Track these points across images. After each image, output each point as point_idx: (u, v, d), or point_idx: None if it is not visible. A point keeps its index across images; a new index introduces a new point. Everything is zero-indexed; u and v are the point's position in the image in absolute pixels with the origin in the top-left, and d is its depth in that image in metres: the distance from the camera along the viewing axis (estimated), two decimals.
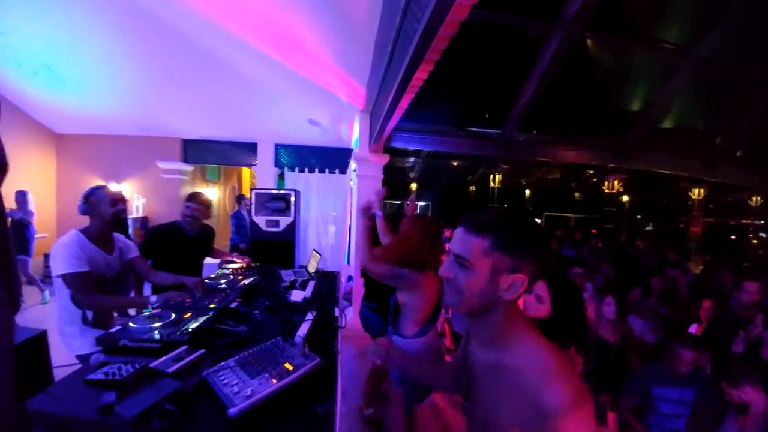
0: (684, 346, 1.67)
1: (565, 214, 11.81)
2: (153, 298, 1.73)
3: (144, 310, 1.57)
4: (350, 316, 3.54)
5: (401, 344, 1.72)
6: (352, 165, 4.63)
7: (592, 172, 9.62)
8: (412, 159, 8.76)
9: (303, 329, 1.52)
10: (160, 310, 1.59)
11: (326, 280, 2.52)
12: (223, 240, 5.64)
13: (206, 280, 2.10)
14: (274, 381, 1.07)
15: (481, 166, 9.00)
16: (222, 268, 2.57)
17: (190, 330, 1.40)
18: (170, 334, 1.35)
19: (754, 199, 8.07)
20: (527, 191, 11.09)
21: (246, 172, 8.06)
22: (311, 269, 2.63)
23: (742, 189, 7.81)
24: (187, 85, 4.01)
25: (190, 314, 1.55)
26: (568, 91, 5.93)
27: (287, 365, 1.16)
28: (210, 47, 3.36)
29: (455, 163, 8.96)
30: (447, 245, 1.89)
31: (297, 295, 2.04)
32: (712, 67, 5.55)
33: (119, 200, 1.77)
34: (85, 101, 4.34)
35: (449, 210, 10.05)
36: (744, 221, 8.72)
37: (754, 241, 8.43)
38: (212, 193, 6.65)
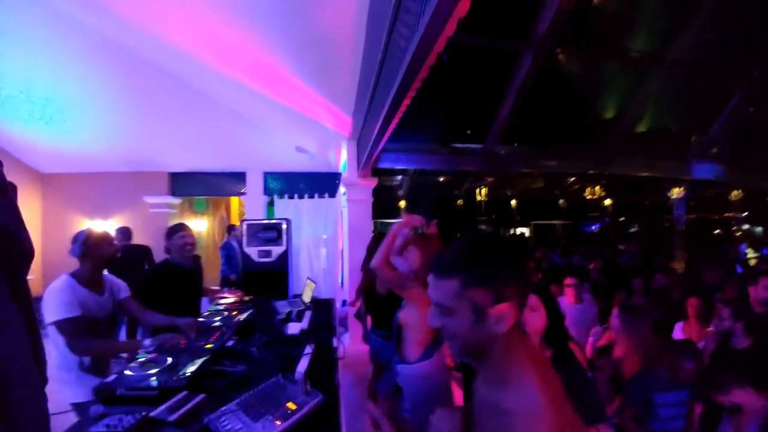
0: (689, 359, 1.71)
1: (552, 222, 12.05)
2: (147, 342, 1.71)
3: (138, 355, 1.55)
4: (347, 343, 3.51)
5: (406, 372, 1.70)
6: (342, 189, 4.69)
7: (573, 179, 9.91)
8: (399, 177, 8.90)
9: (303, 364, 1.53)
10: (155, 354, 1.57)
11: (322, 308, 2.52)
12: (212, 272, 5.56)
13: (200, 320, 2.08)
14: (278, 423, 1.07)
15: (467, 180, 9.20)
16: (215, 304, 2.54)
17: (187, 374, 1.39)
18: (167, 381, 1.34)
19: (733, 193, 8.37)
20: (513, 201, 11.33)
21: (235, 201, 8.03)
22: (306, 298, 2.62)
23: (722, 185, 8.13)
24: (173, 119, 4.06)
25: (186, 357, 1.54)
26: (544, 104, 6.18)
27: (290, 404, 1.16)
28: (195, 81, 3.44)
29: (441, 179, 9.13)
30: None
31: (294, 328, 2.04)
32: (682, 70, 5.88)
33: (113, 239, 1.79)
34: (71, 139, 4.33)
35: (438, 226, 10.15)
36: (726, 215, 9.00)
37: (738, 233, 8.70)
38: (201, 224, 6.59)
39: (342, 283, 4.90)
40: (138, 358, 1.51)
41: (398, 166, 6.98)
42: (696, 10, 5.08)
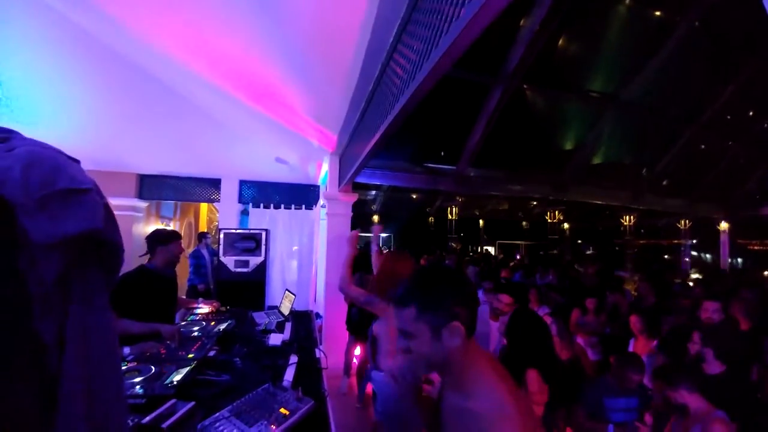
0: (633, 370, 1.95)
1: (516, 242, 12.73)
2: (126, 350, 1.67)
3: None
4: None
5: (379, 378, 1.81)
6: (321, 202, 4.74)
7: (536, 203, 10.62)
8: (373, 192, 9.07)
9: (290, 373, 1.58)
10: (136, 363, 1.55)
11: (301, 320, 2.56)
12: (179, 280, 5.31)
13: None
14: (273, 427, 1.13)
15: (438, 198, 9.56)
16: (191, 314, 2.50)
17: (174, 383, 1.40)
18: (154, 389, 1.35)
19: (682, 222, 9.32)
20: (481, 221, 11.87)
21: (204, 207, 7.75)
22: (285, 310, 2.64)
23: (671, 214, 9.03)
24: (147, 119, 3.93)
25: (169, 366, 1.54)
26: (511, 133, 6.70)
27: (283, 410, 1.22)
28: (173, 83, 3.37)
29: (414, 196, 9.42)
30: None
31: (275, 339, 2.07)
32: (635, 110, 6.64)
33: None
34: (35, 134, 4.03)
35: (410, 241, 10.39)
36: (675, 241, 9.95)
37: (686, 259, 9.64)
38: (167, 228, 6.31)
39: (316, 296, 4.89)
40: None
41: (374, 182, 7.16)
42: (649, 58, 5.82)
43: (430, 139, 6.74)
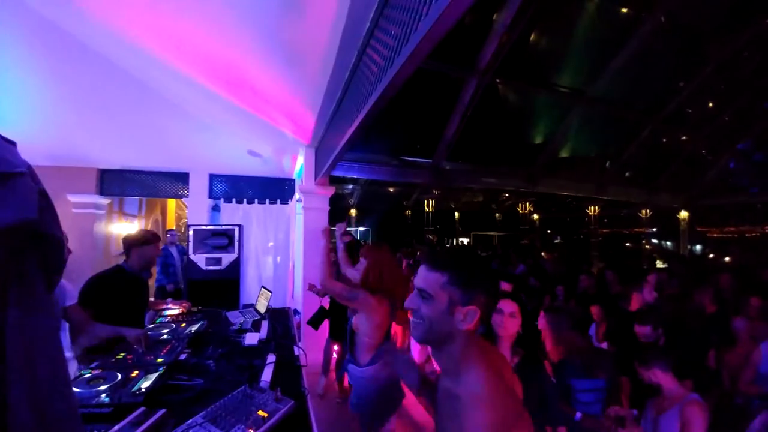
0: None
1: (489, 233, 13.09)
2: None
3: (83, 371, 1.42)
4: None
5: (357, 373, 1.79)
6: (297, 196, 4.62)
7: (508, 195, 10.93)
8: (350, 186, 8.98)
9: (267, 373, 1.53)
10: (101, 370, 1.45)
11: (278, 318, 2.49)
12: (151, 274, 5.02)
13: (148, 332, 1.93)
14: (251, 431, 1.09)
15: (415, 191, 9.62)
16: (159, 315, 2.37)
17: (142, 390, 1.32)
18: (121, 397, 1.26)
19: (644, 212, 9.88)
20: (456, 214, 12.09)
21: (171, 203, 7.37)
22: (261, 308, 2.57)
23: (633, 204, 9.56)
24: (108, 110, 3.65)
25: (137, 372, 1.45)
26: (485, 127, 6.82)
27: (261, 413, 1.18)
28: (136, 70, 3.15)
29: (391, 190, 9.42)
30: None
31: (252, 338, 2.00)
32: (601, 105, 6.91)
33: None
34: None
35: (387, 234, 10.41)
36: (636, 230, 10.56)
37: (647, 246, 10.25)
38: (132, 228, 5.95)
39: (293, 293, 4.80)
40: (83, 374, 1.39)
41: (351, 176, 7.08)
42: (614, 55, 6.07)
43: (406, 133, 6.74)
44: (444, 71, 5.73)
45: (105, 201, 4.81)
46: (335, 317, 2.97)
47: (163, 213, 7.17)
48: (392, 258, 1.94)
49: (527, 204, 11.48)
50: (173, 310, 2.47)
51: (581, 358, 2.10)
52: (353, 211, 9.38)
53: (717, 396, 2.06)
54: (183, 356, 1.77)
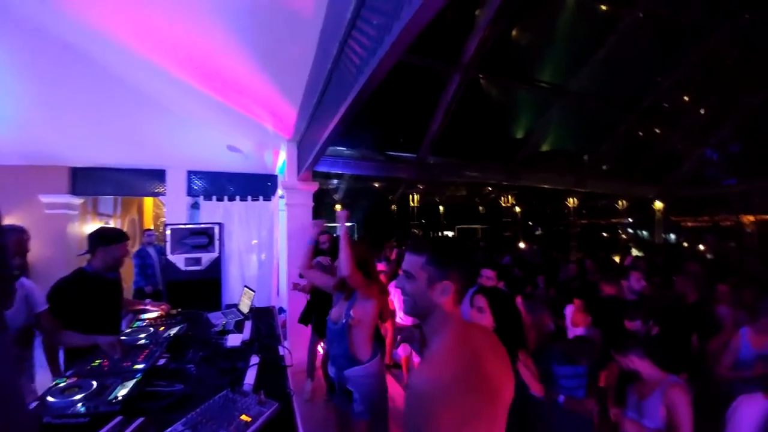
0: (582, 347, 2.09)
1: (473, 226, 13.27)
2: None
3: (58, 380, 1.36)
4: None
5: (361, 373, 1.71)
6: (280, 192, 4.53)
7: (491, 189, 11.08)
8: (335, 181, 8.90)
9: (251, 376, 1.50)
10: (76, 378, 1.38)
11: (262, 317, 2.44)
12: (125, 283, 4.83)
13: (122, 337, 1.85)
14: None
15: (400, 186, 9.62)
16: (136, 319, 2.28)
17: (119, 398, 1.27)
18: (98, 406, 1.21)
19: (620, 202, 10.20)
20: (441, 208, 12.18)
21: (149, 202, 7.10)
22: (244, 308, 2.51)
23: (610, 196, 9.87)
24: (80, 106, 3.45)
25: (113, 380, 1.39)
26: (469, 122, 6.87)
27: (244, 417, 1.15)
28: (109, 64, 2.98)
29: (377, 185, 9.39)
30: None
31: (234, 339, 1.95)
32: (579, 100, 7.05)
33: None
34: None
35: (374, 229, 10.40)
36: (613, 220, 10.91)
37: (623, 236, 10.62)
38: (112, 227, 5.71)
39: (279, 291, 4.72)
40: (58, 383, 1.32)
41: (336, 171, 7.01)
42: (594, 51, 6.19)
43: (391, 128, 6.72)
44: (428, 66, 5.71)
45: (78, 201, 4.59)
46: (320, 312, 2.91)
47: (140, 212, 6.91)
48: (369, 254, 1.92)
49: (509, 197, 11.68)
50: (151, 313, 2.38)
51: (563, 345, 2.15)
52: (338, 207, 9.30)
53: (703, 382, 2.13)
54: (162, 361, 1.71)
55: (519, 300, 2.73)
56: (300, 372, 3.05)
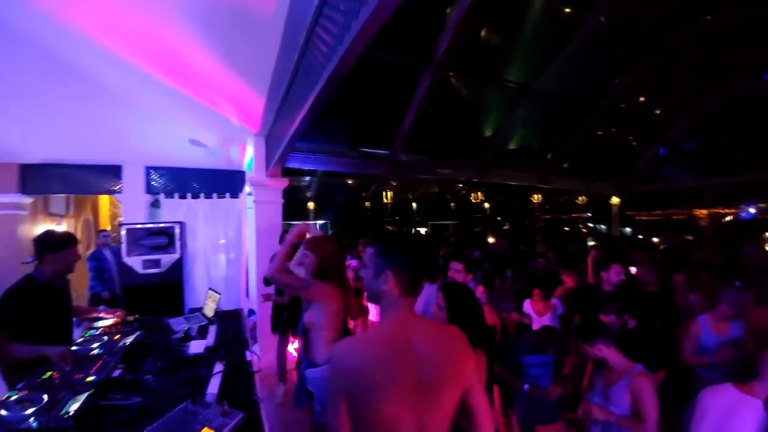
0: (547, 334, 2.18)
1: (445, 222, 13.54)
2: None
3: (10, 393, 1.25)
4: (259, 354, 3.32)
5: (317, 375, 1.72)
6: (248, 189, 4.36)
7: (461, 185, 11.34)
8: (307, 178, 8.72)
9: (214, 385, 1.44)
10: (27, 391, 1.27)
11: (229, 321, 2.35)
12: (77, 289, 4.45)
13: (73, 347, 1.71)
14: None
15: (374, 183, 9.59)
16: (90, 328, 2.11)
17: (71, 413, 1.17)
18: (50, 421, 1.13)
19: (579, 198, 10.74)
20: (414, 204, 12.30)
21: (105, 200, 6.62)
22: (209, 312, 2.40)
23: (571, 192, 10.40)
24: (27, 96, 3.13)
25: (65, 394, 1.28)
26: (440, 119, 6.95)
27: (206, 430, 1.10)
28: (60, 52, 2.73)
29: (350, 181, 9.30)
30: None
31: (197, 346, 1.87)
32: (543, 100, 7.32)
33: None
34: None
35: (348, 226, 10.32)
36: (574, 215, 11.49)
37: (583, 230, 11.21)
38: (60, 230, 5.26)
39: (248, 291, 4.57)
40: (10, 396, 1.21)
41: (307, 167, 6.85)
42: (557, 53, 6.43)
43: (364, 124, 6.66)
44: (400, 62, 5.71)
45: (28, 200, 4.19)
46: (293, 311, 2.82)
47: (95, 212, 6.42)
48: (338, 251, 1.86)
49: (479, 194, 12.00)
50: (106, 321, 2.22)
51: (531, 335, 2.24)
52: (311, 204, 9.13)
53: (672, 371, 2.22)
54: (116, 372, 1.60)
55: (481, 290, 2.80)
56: (272, 375, 2.97)
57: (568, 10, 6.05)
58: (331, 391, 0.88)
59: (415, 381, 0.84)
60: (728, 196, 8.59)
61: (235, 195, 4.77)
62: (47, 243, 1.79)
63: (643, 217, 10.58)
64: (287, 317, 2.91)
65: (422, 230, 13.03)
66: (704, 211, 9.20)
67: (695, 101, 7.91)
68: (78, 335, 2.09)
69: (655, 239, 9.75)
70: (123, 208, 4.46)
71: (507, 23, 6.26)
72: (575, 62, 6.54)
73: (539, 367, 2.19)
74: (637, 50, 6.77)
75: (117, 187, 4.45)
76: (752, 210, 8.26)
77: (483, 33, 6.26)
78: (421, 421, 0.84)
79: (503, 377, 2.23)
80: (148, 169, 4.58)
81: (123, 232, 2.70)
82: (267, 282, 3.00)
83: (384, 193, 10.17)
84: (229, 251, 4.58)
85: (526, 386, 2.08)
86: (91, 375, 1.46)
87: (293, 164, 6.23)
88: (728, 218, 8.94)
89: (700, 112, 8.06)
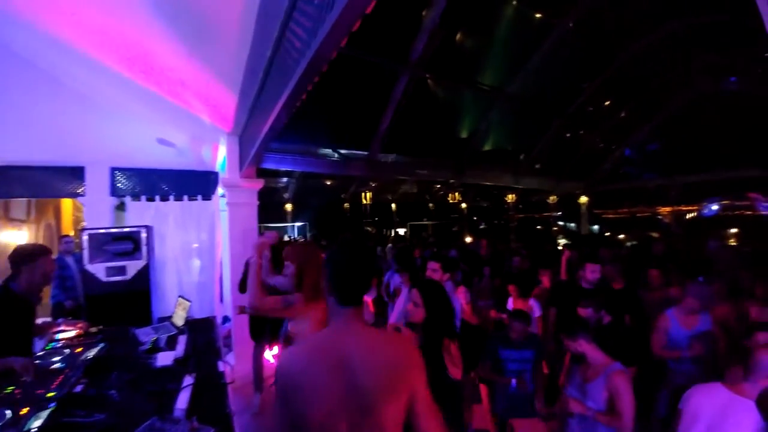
0: (516, 320, 2.24)
1: (424, 222, 13.71)
2: None
3: None
4: (233, 363, 3.21)
5: None
6: (221, 191, 4.22)
7: (439, 186, 11.51)
8: (285, 179, 8.57)
9: (183, 399, 1.39)
10: None
11: (200, 329, 2.27)
12: (42, 298, 4.12)
13: (36, 361, 1.61)
14: None
15: (353, 184, 9.56)
16: (50, 341, 1.99)
17: (32, 430, 1.11)
18: None
19: (550, 198, 11.17)
20: (393, 205, 12.37)
21: (67, 204, 6.23)
22: (179, 321, 2.31)
23: (542, 191, 10.81)
24: None
25: (27, 409, 1.20)
26: (417, 121, 7.03)
27: None
28: (21, 48, 2.55)
29: (329, 182, 9.23)
30: None
31: (165, 358, 1.79)
32: (516, 102, 7.55)
33: None
34: None
35: (327, 228, 10.23)
36: (545, 214, 11.90)
37: (554, 228, 11.67)
38: (20, 236, 4.89)
39: (222, 297, 4.42)
40: None
41: (284, 168, 6.74)
42: (528, 57, 6.65)
43: (342, 125, 6.63)
44: (378, 63, 5.73)
45: None
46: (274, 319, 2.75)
47: (58, 216, 6.04)
48: (318, 256, 1.82)
49: (456, 194, 12.22)
50: (67, 332, 2.10)
51: (509, 329, 2.29)
52: (289, 206, 8.97)
53: (643, 365, 2.31)
54: (79, 387, 1.52)
55: (463, 290, 2.85)
56: (248, 385, 2.88)
57: (538, 15, 6.27)
58: (275, 394, 0.90)
59: (347, 388, 0.83)
60: (691, 194, 9.10)
61: (207, 197, 4.61)
62: (23, 254, 1.78)
63: (610, 215, 11.12)
64: (270, 326, 2.82)
65: (401, 231, 13.13)
66: (668, 209, 9.76)
67: (660, 104, 8.37)
68: (39, 347, 1.96)
69: (621, 236, 10.26)
70: (86, 212, 4.21)
71: (481, 27, 6.42)
72: (546, 66, 6.79)
73: (517, 362, 2.25)
74: (603, 55, 7.11)
75: (80, 190, 4.19)
76: (714, 207, 8.79)
77: (458, 37, 6.38)
78: (359, 430, 0.82)
79: (486, 375, 2.28)
80: (113, 171, 4.34)
81: (85, 238, 2.54)
82: (243, 289, 2.92)
83: (363, 194, 10.17)
84: (201, 256, 4.43)
85: (514, 382, 2.12)
86: (53, 390, 1.38)
87: (269, 165, 6.11)
88: (691, 215, 9.50)
89: (664, 115, 8.55)
